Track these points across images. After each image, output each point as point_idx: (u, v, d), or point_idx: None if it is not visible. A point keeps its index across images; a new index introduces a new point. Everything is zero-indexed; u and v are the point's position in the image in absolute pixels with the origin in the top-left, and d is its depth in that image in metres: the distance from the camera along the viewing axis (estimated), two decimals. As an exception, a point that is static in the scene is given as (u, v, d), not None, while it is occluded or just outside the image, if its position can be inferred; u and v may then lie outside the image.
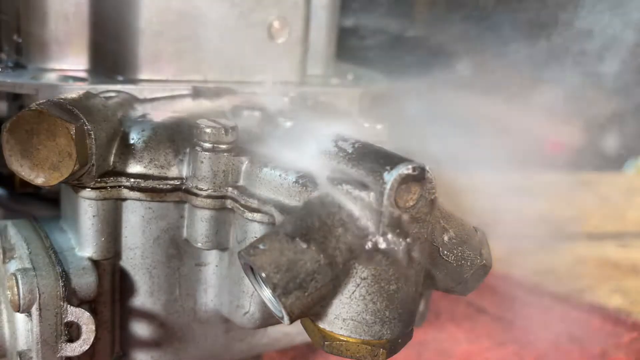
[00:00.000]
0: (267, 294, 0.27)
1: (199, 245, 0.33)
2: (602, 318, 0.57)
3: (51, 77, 0.36)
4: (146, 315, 0.35)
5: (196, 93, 0.37)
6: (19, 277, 0.29)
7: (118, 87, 0.36)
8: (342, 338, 0.28)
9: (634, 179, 1.10)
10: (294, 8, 0.41)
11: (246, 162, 0.31)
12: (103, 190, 0.31)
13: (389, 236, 0.27)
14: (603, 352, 0.52)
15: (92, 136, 0.30)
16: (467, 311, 0.57)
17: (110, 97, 0.35)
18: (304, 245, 0.26)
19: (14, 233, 0.34)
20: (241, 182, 0.32)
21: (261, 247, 0.26)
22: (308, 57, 0.44)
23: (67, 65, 0.38)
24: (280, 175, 0.30)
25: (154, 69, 0.38)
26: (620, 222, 0.87)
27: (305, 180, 0.29)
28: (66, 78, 0.36)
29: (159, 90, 0.37)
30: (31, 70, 0.37)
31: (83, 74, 0.38)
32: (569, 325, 0.56)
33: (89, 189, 0.31)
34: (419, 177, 0.27)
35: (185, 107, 0.36)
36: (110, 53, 0.38)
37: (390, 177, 0.26)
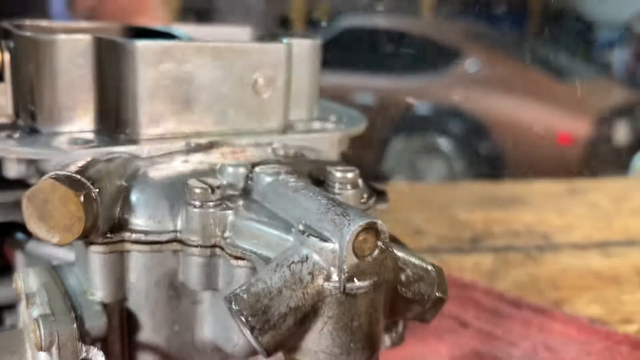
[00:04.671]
0: (247, 333, 0.32)
1: (193, 287, 0.38)
2: (578, 328, 0.62)
3: (62, 141, 0.41)
4: (151, 348, 0.40)
5: (189, 150, 0.42)
6: (40, 322, 0.35)
7: (121, 148, 0.41)
8: (314, 367, 0.33)
9: (623, 184, 1.13)
10: (277, 67, 0.46)
11: (231, 216, 0.37)
12: (109, 244, 0.36)
13: (350, 280, 0.32)
14: (575, 358, 0.57)
15: (98, 200, 0.35)
16: (452, 326, 0.62)
17: (113, 158, 0.40)
18: (277, 293, 0.31)
19: (35, 281, 0.39)
20: (227, 233, 0.37)
21: (241, 294, 0.31)
22: (293, 104, 0.49)
23: (76, 127, 0.43)
24: (259, 229, 0.35)
25: (152, 127, 0.43)
26: (606, 230, 0.91)
27: (279, 233, 0.34)
28: (75, 141, 0.41)
29: (158, 148, 0.42)
30: (45, 134, 0.42)
31: (90, 135, 0.43)
32: (546, 336, 0.60)
33: (97, 244, 0.36)
34: (373, 230, 0.32)
35: (179, 164, 0.41)
36: (113, 115, 0.43)
37: (349, 231, 0.31)
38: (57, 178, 0.34)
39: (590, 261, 0.80)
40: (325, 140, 0.48)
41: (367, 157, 4.70)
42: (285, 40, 0.48)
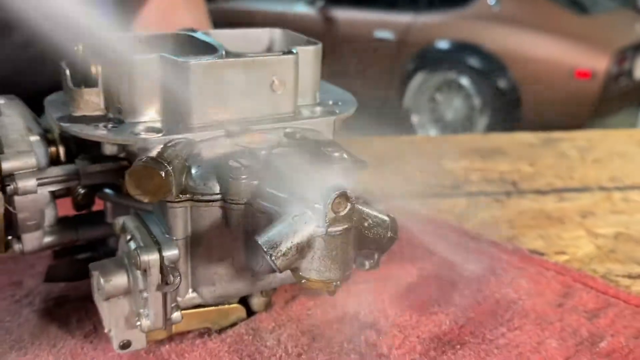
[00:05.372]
0: (267, 257, 0.52)
1: (233, 229, 0.58)
2: (519, 257, 0.81)
3: (140, 129, 0.60)
4: (206, 268, 0.60)
5: (227, 135, 0.61)
6: (138, 252, 0.55)
7: (181, 136, 0.60)
8: (309, 279, 0.53)
9: (594, 135, 1.30)
10: (287, 71, 0.64)
11: (256, 184, 0.56)
12: (179, 202, 0.56)
13: (331, 227, 0.51)
14: (511, 279, 0.76)
15: (172, 174, 0.54)
16: (423, 254, 0.81)
17: (177, 143, 0.59)
18: (285, 234, 0.51)
19: (129, 224, 0.59)
20: (254, 195, 0.56)
21: (263, 234, 0.51)
22: (300, 94, 0.67)
23: (149, 118, 0.62)
24: (274, 193, 0.55)
25: (201, 118, 0.62)
26: (568, 178, 1.08)
27: (286, 197, 0.54)
28: (149, 129, 0.61)
29: (206, 134, 0.61)
30: (128, 124, 0.61)
31: (159, 124, 0.62)
32: (493, 263, 0.80)
33: (172, 202, 0.56)
34: (345, 196, 0.51)
35: (221, 146, 0.60)
36: (173, 109, 0.62)
37: (329, 197, 0.51)
38: (147, 161, 0.54)
39: (545, 205, 0.98)
40: (323, 123, 0.67)
41: (389, 93, 4.84)
42: (294, 50, 0.65)
